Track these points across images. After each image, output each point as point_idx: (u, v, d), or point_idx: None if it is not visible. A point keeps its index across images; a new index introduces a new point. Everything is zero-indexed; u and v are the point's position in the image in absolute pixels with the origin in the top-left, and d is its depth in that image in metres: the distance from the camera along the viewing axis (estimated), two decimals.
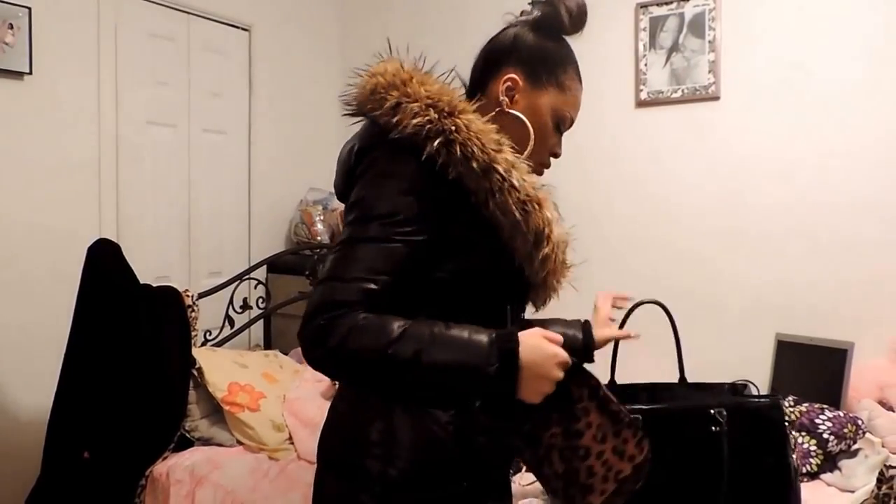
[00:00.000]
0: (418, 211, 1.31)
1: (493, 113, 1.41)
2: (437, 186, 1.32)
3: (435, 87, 1.37)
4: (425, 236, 1.31)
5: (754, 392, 1.92)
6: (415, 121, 1.31)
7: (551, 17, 1.49)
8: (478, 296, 1.39)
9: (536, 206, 1.36)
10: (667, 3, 3.54)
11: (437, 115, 1.32)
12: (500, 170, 1.33)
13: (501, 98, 1.45)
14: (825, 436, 2.57)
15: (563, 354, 1.31)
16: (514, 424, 1.40)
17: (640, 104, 3.66)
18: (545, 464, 1.39)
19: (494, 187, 1.33)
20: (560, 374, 1.31)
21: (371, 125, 1.40)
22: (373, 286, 1.26)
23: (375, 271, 1.27)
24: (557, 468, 1.37)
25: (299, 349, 3.69)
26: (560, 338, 1.33)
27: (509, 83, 1.46)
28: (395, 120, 1.32)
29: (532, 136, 1.45)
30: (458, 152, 1.31)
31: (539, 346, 1.29)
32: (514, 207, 1.34)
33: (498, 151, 1.34)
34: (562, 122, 1.51)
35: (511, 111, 1.45)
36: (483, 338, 1.27)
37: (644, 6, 3.61)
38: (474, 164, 1.31)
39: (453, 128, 1.31)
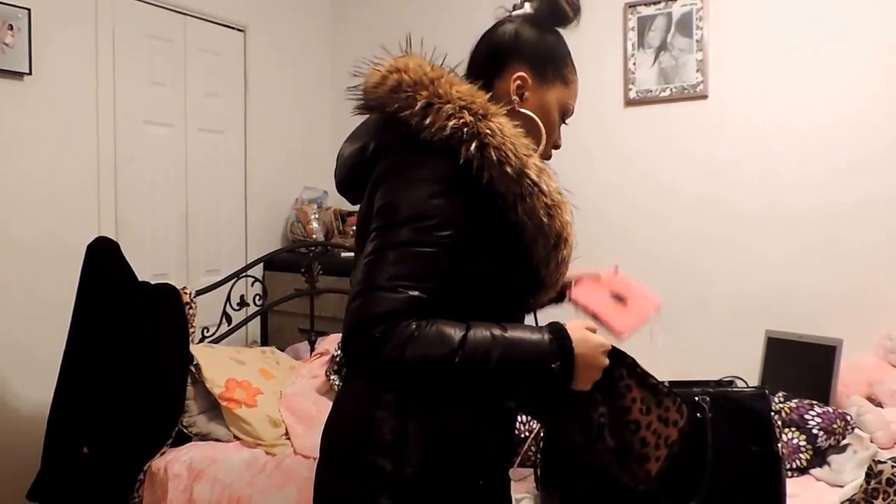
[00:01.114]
0: (453, 214, 1.29)
1: (506, 112, 1.39)
2: (467, 189, 1.31)
3: (464, 87, 1.36)
4: (460, 239, 1.30)
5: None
6: (451, 122, 1.29)
7: (551, 10, 1.49)
8: (493, 295, 1.39)
9: (559, 211, 1.37)
10: (655, 3, 3.58)
11: (472, 118, 1.30)
12: (532, 175, 1.32)
13: (513, 97, 1.44)
14: (815, 431, 2.57)
15: (606, 342, 1.37)
16: (563, 410, 1.44)
17: (629, 103, 3.69)
18: (598, 442, 1.43)
19: (525, 192, 1.32)
20: (606, 361, 1.36)
21: (392, 123, 1.37)
22: (418, 293, 1.25)
23: (419, 278, 1.26)
24: (610, 444, 1.43)
25: (296, 346, 3.72)
26: (595, 326, 1.39)
27: (519, 81, 1.45)
28: (427, 121, 1.31)
29: (544, 133, 1.45)
30: (493, 156, 1.29)
31: (586, 339, 1.34)
32: (540, 212, 1.34)
33: (528, 156, 1.34)
34: (566, 114, 1.52)
35: (523, 110, 1.44)
36: (542, 337, 1.30)
37: (632, 6, 3.64)
38: (508, 169, 1.30)
39: (488, 131, 1.30)
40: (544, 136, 1.45)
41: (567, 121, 1.55)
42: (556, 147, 1.53)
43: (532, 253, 1.38)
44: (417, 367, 1.24)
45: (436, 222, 1.28)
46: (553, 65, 1.48)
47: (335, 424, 1.48)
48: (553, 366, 1.29)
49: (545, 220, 1.35)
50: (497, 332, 1.28)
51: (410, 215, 1.28)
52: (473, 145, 1.29)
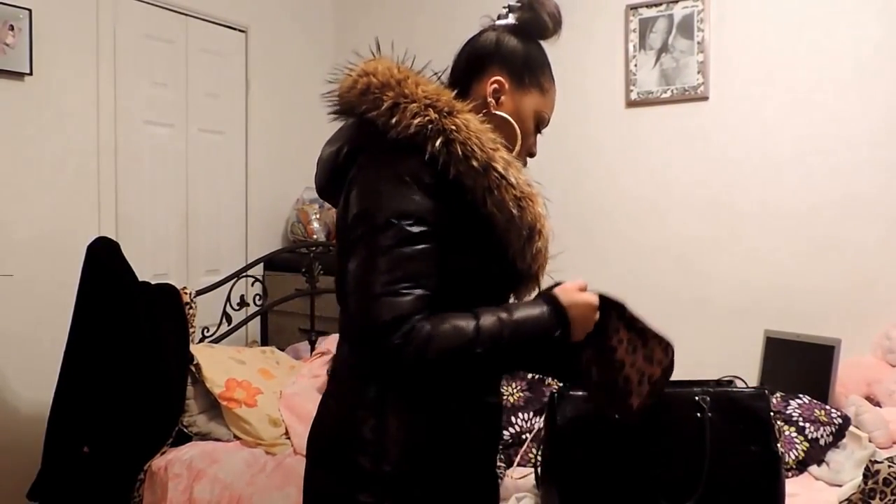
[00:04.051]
0: (430, 209, 1.32)
1: (481, 113, 1.43)
2: (437, 185, 1.33)
3: (431, 87, 1.39)
4: (440, 232, 1.33)
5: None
6: (416, 121, 1.32)
7: (533, 22, 1.53)
8: (471, 290, 1.41)
9: (530, 203, 1.40)
10: (656, 5, 3.59)
11: (437, 115, 1.34)
12: (499, 167, 1.35)
13: (489, 99, 1.48)
14: (800, 423, 2.62)
15: (594, 299, 1.46)
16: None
17: (630, 104, 3.70)
18: (584, 376, 1.53)
19: (492, 185, 1.35)
20: (597, 315, 1.46)
21: (362, 125, 1.41)
22: (423, 291, 1.29)
23: (417, 276, 1.29)
24: (596, 378, 1.53)
25: (296, 346, 3.72)
26: (585, 282, 1.48)
27: (496, 85, 1.49)
28: (394, 120, 1.33)
29: (519, 137, 1.48)
30: (459, 151, 1.32)
31: (576, 302, 1.42)
32: (510, 204, 1.36)
33: (495, 150, 1.36)
34: (541, 123, 1.56)
35: (498, 112, 1.47)
36: (542, 310, 1.39)
37: (634, 7, 3.64)
38: (474, 163, 1.33)
39: (453, 127, 1.33)
40: (519, 139, 1.49)
41: (542, 130, 1.59)
42: (531, 155, 1.56)
43: (507, 246, 1.42)
44: (442, 363, 1.30)
45: (420, 218, 1.31)
46: (531, 72, 1.52)
47: (319, 424, 1.52)
48: (556, 334, 1.38)
49: (515, 212, 1.38)
50: (503, 315, 1.34)
51: (390, 217, 1.31)
52: (439, 141, 1.32)
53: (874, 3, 3.14)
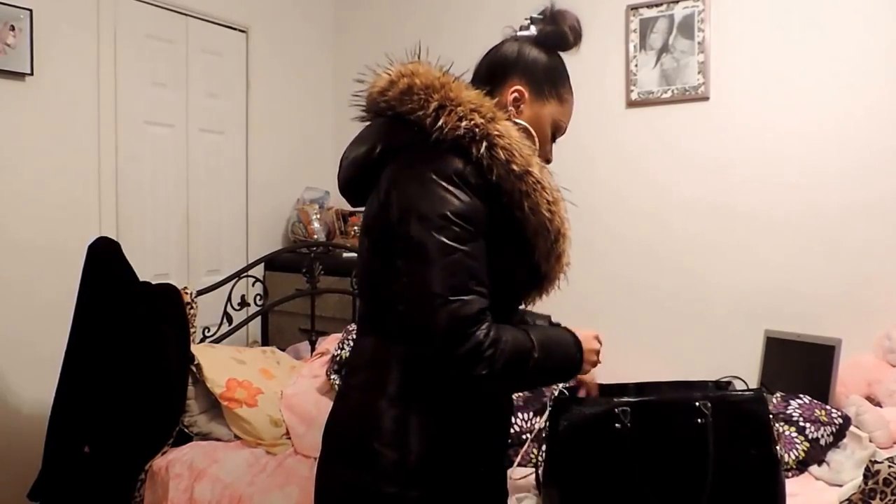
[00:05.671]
0: (477, 209, 1.36)
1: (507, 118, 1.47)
2: (479, 187, 1.37)
3: (472, 93, 1.43)
4: (484, 232, 1.38)
5: (740, 388, 1.95)
6: (463, 123, 1.37)
7: (554, 34, 1.58)
8: (497, 290, 1.42)
9: (558, 207, 1.46)
10: (657, 5, 3.59)
11: (482, 120, 1.38)
12: (535, 172, 1.41)
13: (509, 108, 1.52)
14: (801, 423, 2.62)
15: (596, 343, 1.59)
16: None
17: (631, 104, 3.69)
18: None
19: (529, 189, 1.40)
20: (598, 346, 1.59)
21: (402, 125, 1.44)
22: (483, 288, 1.34)
23: (478, 273, 1.34)
24: None
25: (297, 346, 3.72)
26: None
27: (516, 94, 1.53)
28: (441, 122, 1.38)
29: (537, 144, 1.52)
30: (502, 156, 1.37)
31: (587, 335, 1.55)
32: (543, 208, 1.42)
33: (531, 156, 1.42)
34: (557, 131, 1.61)
35: (518, 120, 1.51)
36: (567, 333, 1.52)
37: (634, 8, 3.64)
38: (515, 167, 1.38)
39: (496, 133, 1.38)
40: (537, 147, 1.52)
41: (558, 138, 1.63)
42: (548, 161, 1.60)
43: (534, 249, 1.46)
44: (507, 371, 1.34)
45: (467, 218, 1.35)
46: (550, 83, 1.57)
47: (339, 416, 1.53)
48: (577, 357, 1.50)
49: (547, 215, 1.42)
50: (543, 327, 1.53)
51: (445, 216, 1.33)
52: (484, 145, 1.37)
53: (874, 2, 3.14)
